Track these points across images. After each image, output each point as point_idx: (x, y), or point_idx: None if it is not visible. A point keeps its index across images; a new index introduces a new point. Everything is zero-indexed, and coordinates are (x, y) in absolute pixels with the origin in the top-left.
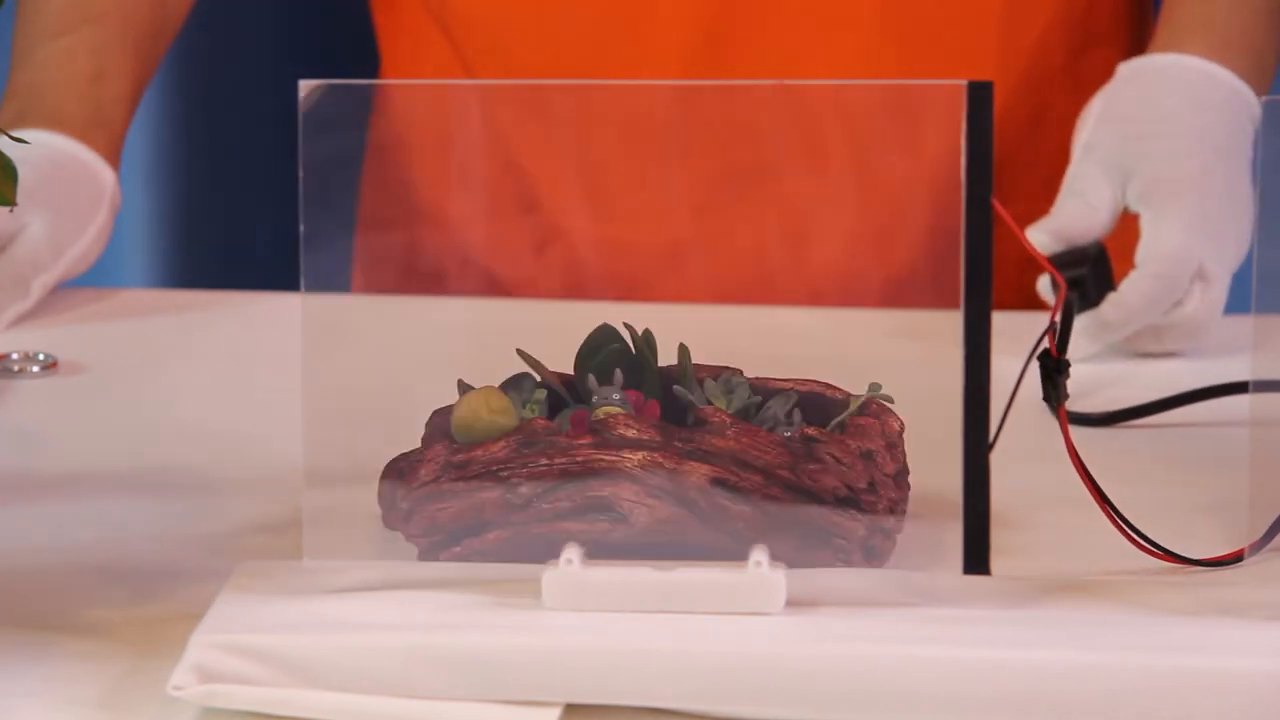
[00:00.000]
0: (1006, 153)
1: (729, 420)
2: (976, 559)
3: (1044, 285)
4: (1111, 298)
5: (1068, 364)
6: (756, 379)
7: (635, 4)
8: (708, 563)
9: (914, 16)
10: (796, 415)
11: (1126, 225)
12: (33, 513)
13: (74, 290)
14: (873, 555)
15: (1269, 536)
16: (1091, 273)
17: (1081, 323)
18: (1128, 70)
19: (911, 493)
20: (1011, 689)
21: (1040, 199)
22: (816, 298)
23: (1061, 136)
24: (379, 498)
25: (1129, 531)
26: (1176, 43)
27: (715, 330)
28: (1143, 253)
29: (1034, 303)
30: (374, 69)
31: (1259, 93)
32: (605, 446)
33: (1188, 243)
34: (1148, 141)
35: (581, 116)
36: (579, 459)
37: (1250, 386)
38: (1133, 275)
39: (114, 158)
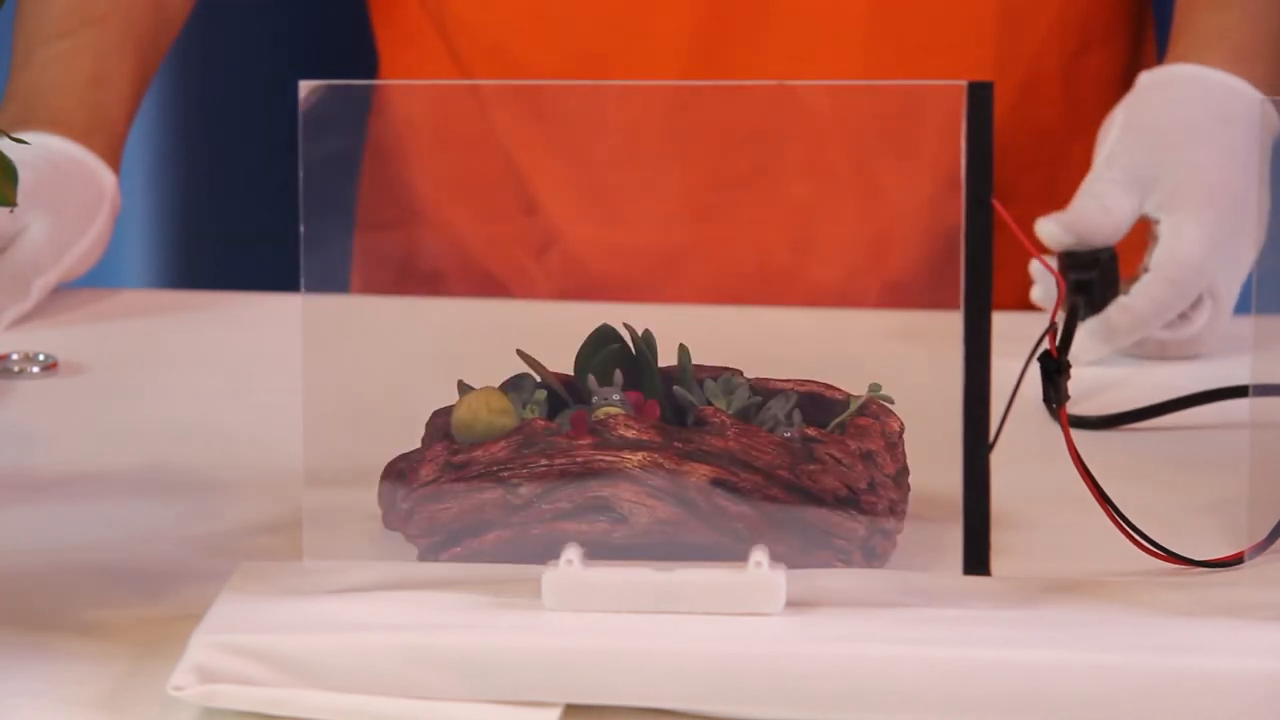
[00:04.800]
0: (1003, 155)
1: (729, 421)
2: (976, 559)
3: (1038, 293)
4: (1120, 301)
5: (1068, 365)
6: (756, 380)
7: (634, 5)
8: (708, 563)
9: (911, 19)
10: (796, 416)
11: (1134, 229)
12: (33, 513)
13: (74, 290)
14: (873, 555)
15: (1270, 540)
16: (1099, 277)
17: (1088, 327)
18: (1149, 80)
19: (911, 493)
20: (1011, 689)
21: (1037, 202)
22: (816, 298)
23: (1058, 140)
24: (379, 498)
25: (1130, 532)
26: (1196, 54)
27: (715, 331)
28: (1159, 257)
29: (1034, 303)
30: (373, 69)
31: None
32: (605, 447)
33: (1205, 251)
34: (1171, 152)
35: (580, 118)
36: (579, 459)
37: (1250, 389)
38: (1145, 279)
39: (114, 160)
